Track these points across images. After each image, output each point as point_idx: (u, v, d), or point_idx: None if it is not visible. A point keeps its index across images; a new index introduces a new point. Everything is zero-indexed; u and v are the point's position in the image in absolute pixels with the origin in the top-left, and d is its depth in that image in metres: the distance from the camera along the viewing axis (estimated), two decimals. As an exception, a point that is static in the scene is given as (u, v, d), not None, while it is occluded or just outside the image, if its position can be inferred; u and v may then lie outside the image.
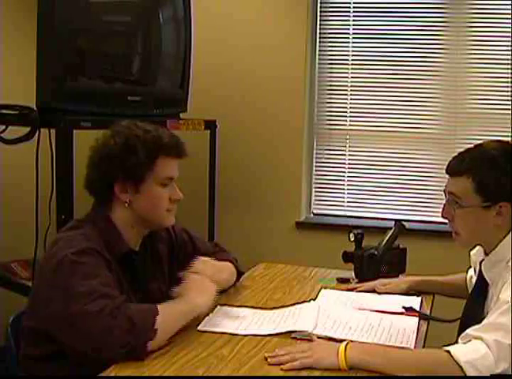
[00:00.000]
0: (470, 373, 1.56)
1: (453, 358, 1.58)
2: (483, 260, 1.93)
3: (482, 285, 1.92)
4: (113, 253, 1.84)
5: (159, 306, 1.72)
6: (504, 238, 1.83)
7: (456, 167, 1.86)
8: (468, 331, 1.65)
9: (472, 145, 1.91)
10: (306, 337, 1.81)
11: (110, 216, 1.90)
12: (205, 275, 1.97)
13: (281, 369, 1.62)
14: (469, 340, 1.63)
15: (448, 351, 1.60)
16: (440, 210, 1.95)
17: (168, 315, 1.73)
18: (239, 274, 2.32)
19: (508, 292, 1.67)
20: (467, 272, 2.30)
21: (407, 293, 2.29)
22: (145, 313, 1.68)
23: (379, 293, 2.30)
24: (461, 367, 1.56)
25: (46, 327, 1.73)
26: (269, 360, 1.66)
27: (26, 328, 1.81)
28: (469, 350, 1.60)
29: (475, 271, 2.21)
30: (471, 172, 1.81)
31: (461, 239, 1.91)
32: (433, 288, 2.34)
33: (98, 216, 1.90)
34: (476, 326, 1.65)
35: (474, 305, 1.86)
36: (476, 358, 1.57)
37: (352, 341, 1.71)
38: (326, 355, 1.64)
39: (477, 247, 2.06)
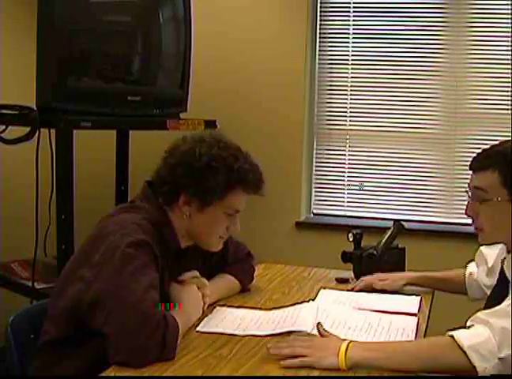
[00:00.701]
0: (473, 357, 1.56)
1: (457, 343, 1.58)
2: (505, 258, 1.93)
3: (503, 283, 1.91)
4: (163, 249, 1.81)
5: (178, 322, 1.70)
6: None
7: (481, 162, 1.86)
8: (479, 314, 1.65)
9: (492, 144, 1.91)
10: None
11: (168, 215, 1.87)
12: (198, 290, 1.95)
13: (280, 366, 1.62)
14: (473, 325, 1.63)
15: (451, 336, 1.61)
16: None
17: (181, 332, 1.72)
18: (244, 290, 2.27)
19: None
20: (465, 268, 2.32)
21: (403, 288, 2.30)
22: (176, 332, 1.66)
23: (376, 290, 2.30)
24: (464, 352, 1.57)
25: (86, 306, 1.69)
26: (270, 351, 1.66)
27: (59, 307, 1.76)
28: (472, 334, 1.60)
29: (476, 265, 2.25)
30: (497, 166, 1.82)
31: (484, 235, 1.90)
32: (430, 284, 2.34)
33: (156, 210, 1.86)
34: (487, 310, 1.66)
35: (494, 303, 1.86)
36: (479, 342, 1.57)
37: (352, 341, 1.69)
38: (327, 355, 1.62)
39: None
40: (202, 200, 1.84)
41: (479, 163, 1.87)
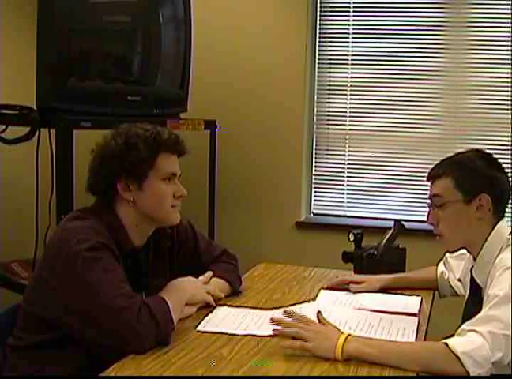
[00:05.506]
0: (467, 363, 1.59)
1: (451, 350, 1.61)
2: (473, 266, 1.99)
3: (476, 290, 1.97)
4: (119, 250, 1.84)
5: (164, 297, 1.78)
6: (486, 239, 1.91)
7: (435, 171, 2.01)
8: (463, 326, 1.69)
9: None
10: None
11: (116, 213, 1.90)
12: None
13: (280, 344, 1.70)
14: (464, 334, 1.66)
15: (445, 343, 1.63)
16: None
17: (174, 304, 1.78)
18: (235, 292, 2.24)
19: (496, 288, 1.72)
20: (437, 266, 2.38)
21: (383, 291, 2.30)
22: (162, 307, 1.73)
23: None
24: (458, 358, 1.60)
25: (57, 316, 1.74)
26: (273, 330, 1.74)
27: (31, 314, 1.81)
28: (466, 341, 1.63)
29: (444, 267, 2.33)
30: (449, 172, 1.96)
31: (446, 240, 1.99)
32: (405, 284, 2.36)
33: (103, 211, 1.89)
34: (470, 321, 1.69)
35: (471, 310, 1.89)
36: (473, 348, 1.61)
37: (351, 335, 1.71)
38: (326, 344, 1.67)
39: (456, 253, 2.12)
40: (137, 177, 1.87)
41: (434, 173, 2.01)
